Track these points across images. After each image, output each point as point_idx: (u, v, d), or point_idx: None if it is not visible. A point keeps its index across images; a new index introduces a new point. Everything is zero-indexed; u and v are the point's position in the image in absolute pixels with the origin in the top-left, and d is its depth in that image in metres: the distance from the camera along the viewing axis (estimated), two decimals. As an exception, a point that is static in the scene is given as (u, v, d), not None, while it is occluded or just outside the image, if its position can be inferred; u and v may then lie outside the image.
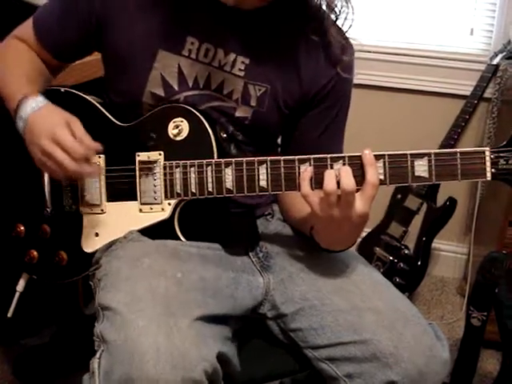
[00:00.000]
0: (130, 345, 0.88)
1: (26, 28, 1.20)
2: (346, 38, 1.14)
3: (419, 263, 2.20)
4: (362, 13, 2.36)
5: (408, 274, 2.19)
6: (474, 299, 1.61)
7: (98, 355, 0.93)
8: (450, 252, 2.55)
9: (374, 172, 0.96)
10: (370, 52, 2.37)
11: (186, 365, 0.87)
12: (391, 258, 2.23)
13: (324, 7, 1.11)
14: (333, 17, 1.10)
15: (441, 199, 2.25)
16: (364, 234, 2.37)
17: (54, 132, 1.02)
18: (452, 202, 2.22)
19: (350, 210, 0.96)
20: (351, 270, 1.13)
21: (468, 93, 2.26)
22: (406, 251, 2.21)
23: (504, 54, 2.19)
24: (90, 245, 1.14)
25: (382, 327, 1.03)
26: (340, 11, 1.09)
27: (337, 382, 1.05)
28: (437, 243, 2.43)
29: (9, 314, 1.28)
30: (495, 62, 2.20)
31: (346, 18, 1.10)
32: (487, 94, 2.25)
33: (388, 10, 2.39)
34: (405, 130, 2.45)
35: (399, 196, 2.30)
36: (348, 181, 0.94)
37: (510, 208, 1.94)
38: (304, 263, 1.15)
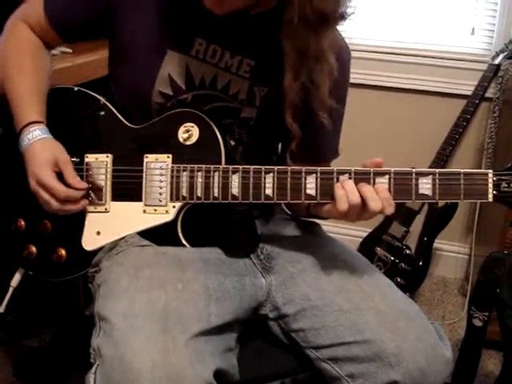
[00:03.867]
0: (126, 363, 0.88)
1: (34, 4, 1.18)
2: (343, 38, 1.15)
3: (421, 263, 2.20)
4: (363, 13, 2.36)
5: (409, 274, 2.19)
6: (475, 299, 1.60)
7: (93, 370, 0.93)
8: (452, 252, 2.55)
9: (376, 203, 0.98)
10: (370, 52, 2.38)
11: None
12: (392, 258, 2.23)
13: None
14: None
15: (442, 199, 2.24)
16: (365, 234, 2.37)
17: (38, 173, 1.08)
18: (453, 203, 2.22)
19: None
20: (353, 269, 1.12)
21: (469, 92, 2.26)
22: (408, 251, 2.21)
23: (505, 53, 2.19)
24: (90, 243, 1.14)
25: (384, 327, 1.03)
26: (348, 12, 1.08)
27: (339, 382, 1.05)
28: (438, 243, 2.43)
29: (1, 310, 1.28)
30: (497, 61, 2.20)
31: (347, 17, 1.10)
32: (489, 93, 2.25)
33: (389, 9, 2.39)
34: (406, 129, 2.45)
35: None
36: (374, 204, 0.98)
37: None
38: (305, 263, 1.15)
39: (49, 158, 1.09)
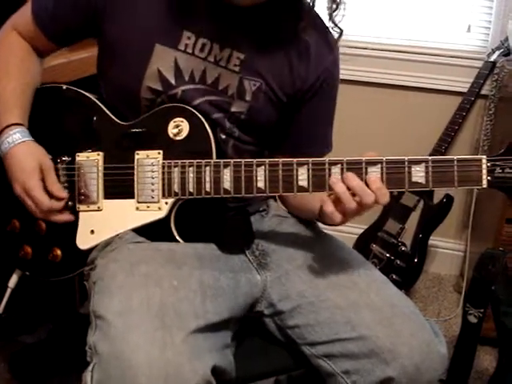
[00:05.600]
0: (123, 360, 0.88)
1: (24, 12, 1.18)
2: (331, 34, 1.16)
3: (416, 260, 2.20)
4: (359, 10, 2.35)
5: (405, 270, 2.19)
6: (470, 296, 1.61)
7: (90, 368, 0.93)
8: (447, 249, 2.55)
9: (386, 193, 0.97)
10: (366, 49, 2.37)
11: (179, 380, 0.87)
12: (388, 254, 2.23)
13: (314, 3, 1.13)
14: (327, 11, 1.12)
15: (438, 196, 2.25)
16: (361, 231, 2.37)
17: (25, 182, 1.08)
18: (449, 199, 2.22)
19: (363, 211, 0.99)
20: (348, 266, 1.13)
21: (465, 90, 2.26)
22: (403, 248, 2.21)
23: (501, 50, 2.18)
24: (84, 242, 1.14)
25: (379, 323, 1.03)
26: (338, 6, 1.11)
27: (334, 379, 1.05)
28: (433, 240, 2.43)
29: None
30: (492, 58, 2.20)
31: (337, 13, 1.13)
32: (484, 90, 2.25)
33: (385, 6, 2.38)
34: (402, 126, 2.45)
35: (396, 193, 2.30)
36: (368, 198, 0.96)
37: (506, 205, 1.94)
38: (300, 260, 1.15)
39: (34, 165, 1.09)
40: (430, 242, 2.30)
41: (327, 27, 1.15)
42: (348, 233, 2.40)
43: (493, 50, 2.21)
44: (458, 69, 2.32)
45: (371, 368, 1.00)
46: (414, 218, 2.24)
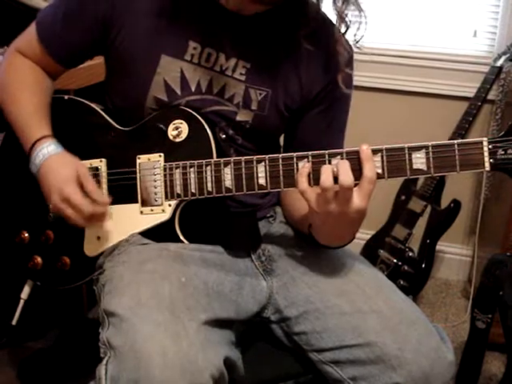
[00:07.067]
0: (137, 350, 0.88)
1: (28, 37, 1.19)
2: (346, 41, 1.14)
3: (423, 266, 2.20)
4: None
5: (412, 276, 2.19)
6: (478, 302, 1.60)
7: (104, 361, 0.93)
8: (455, 254, 2.55)
9: (371, 167, 0.95)
10: (372, 54, 2.38)
11: (194, 370, 0.87)
12: (395, 260, 2.23)
13: (334, 16, 1.10)
14: (344, 27, 1.09)
15: (445, 201, 2.25)
16: (368, 237, 2.37)
17: (63, 189, 1.05)
18: (456, 204, 2.22)
19: (347, 205, 0.95)
20: (355, 272, 1.13)
21: (471, 95, 2.26)
22: (411, 254, 2.21)
23: (507, 55, 2.18)
24: (91, 249, 1.15)
25: (386, 329, 1.02)
26: (350, 20, 1.08)
27: (341, 385, 1.05)
28: (441, 245, 2.43)
29: (13, 322, 1.28)
30: (499, 63, 2.20)
31: (359, 28, 1.09)
32: (491, 95, 2.24)
33: (391, 12, 2.39)
34: (408, 132, 2.45)
35: (403, 198, 2.30)
36: (346, 176, 0.93)
37: (514, 210, 1.94)
38: (307, 266, 1.15)
39: (70, 172, 1.08)
40: (438, 247, 2.29)
41: (340, 32, 1.11)
42: (355, 238, 2.40)
43: (499, 54, 2.22)
44: (465, 74, 2.32)
45: (378, 374, 1.00)
46: (421, 224, 2.24)
